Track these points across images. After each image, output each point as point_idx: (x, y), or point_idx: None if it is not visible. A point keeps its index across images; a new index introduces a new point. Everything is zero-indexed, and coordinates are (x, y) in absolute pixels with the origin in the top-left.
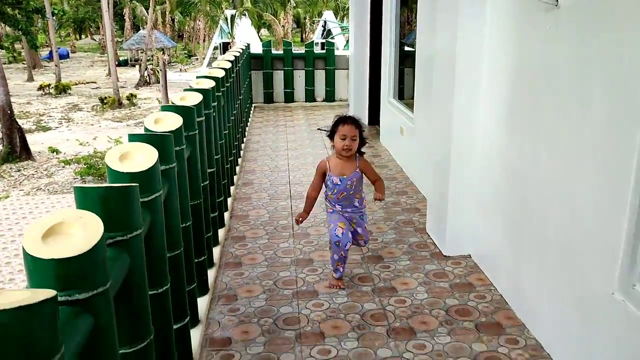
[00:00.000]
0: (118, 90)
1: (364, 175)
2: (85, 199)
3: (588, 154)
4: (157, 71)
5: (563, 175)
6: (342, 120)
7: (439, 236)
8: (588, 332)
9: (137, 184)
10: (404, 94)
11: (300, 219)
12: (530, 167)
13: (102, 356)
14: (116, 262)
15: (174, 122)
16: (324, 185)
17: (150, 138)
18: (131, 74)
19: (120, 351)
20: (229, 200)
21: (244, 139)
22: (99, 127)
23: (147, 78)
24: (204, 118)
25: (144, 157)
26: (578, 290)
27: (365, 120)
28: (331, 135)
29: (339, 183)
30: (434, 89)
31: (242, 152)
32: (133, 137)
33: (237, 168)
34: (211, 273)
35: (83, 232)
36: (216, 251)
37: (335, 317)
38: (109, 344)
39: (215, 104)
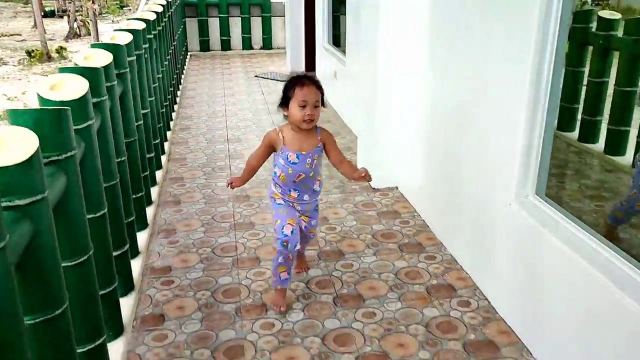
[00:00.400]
0: (46, 43)
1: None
2: (19, 122)
3: (491, 85)
4: (88, 22)
5: (472, 105)
6: (299, 81)
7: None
8: (491, 242)
9: (69, 108)
10: (340, 39)
11: (233, 183)
12: (445, 101)
13: (44, 260)
14: (53, 178)
15: (104, 58)
16: (274, 167)
17: (80, 71)
18: (59, 26)
19: (62, 264)
20: (166, 144)
21: (180, 86)
22: (27, 82)
23: (77, 30)
24: (135, 58)
25: (75, 87)
26: (483, 205)
27: (302, 67)
28: (284, 101)
29: (297, 161)
30: (362, 32)
31: (178, 99)
32: (63, 70)
33: (174, 114)
34: (150, 210)
35: (19, 144)
36: (155, 191)
37: (270, 245)
38: (50, 249)
39: (147, 46)
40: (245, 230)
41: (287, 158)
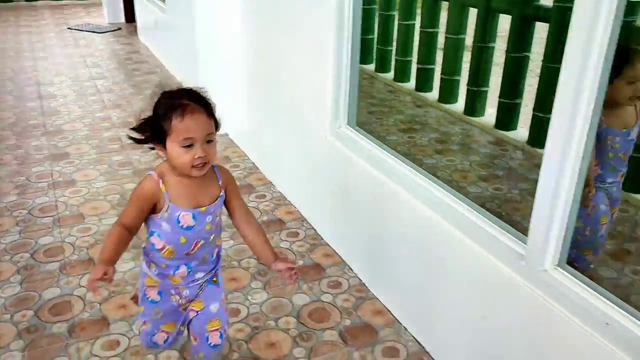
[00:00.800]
0: None
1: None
2: None
3: (302, 29)
4: None
5: (287, 49)
6: (178, 105)
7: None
8: (313, 174)
9: None
10: None
11: (102, 278)
12: (264, 47)
13: None
14: None
15: None
16: (149, 235)
17: None
18: None
19: None
20: None
21: None
22: None
23: None
24: None
25: None
26: (303, 141)
27: (121, 18)
28: (157, 136)
29: (193, 223)
30: None
31: None
32: None
33: None
34: None
35: None
36: None
37: (94, 200)
38: None
39: None
40: (66, 188)
41: (178, 221)
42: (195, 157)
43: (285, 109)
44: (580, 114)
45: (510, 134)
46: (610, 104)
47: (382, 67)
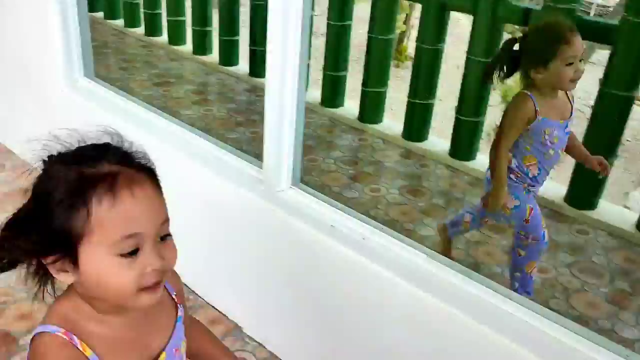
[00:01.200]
0: None
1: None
2: None
3: None
4: None
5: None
6: (99, 171)
7: None
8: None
9: None
10: None
11: None
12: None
13: None
14: None
15: None
16: None
17: None
18: None
19: None
20: None
21: None
22: None
23: None
24: None
25: None
26: (40, 98)
27: None
28: (53, 244)
29: None
30: None
31: None
32: None
33: None
34: None
35: None
36: None
37: None
38: None
39: None
40: None
41: None
42: (148, 270)
43: (13, 66)
44: (290, 41)
45: (264, 80)
46: (546, 92)
47: (132, 21)
